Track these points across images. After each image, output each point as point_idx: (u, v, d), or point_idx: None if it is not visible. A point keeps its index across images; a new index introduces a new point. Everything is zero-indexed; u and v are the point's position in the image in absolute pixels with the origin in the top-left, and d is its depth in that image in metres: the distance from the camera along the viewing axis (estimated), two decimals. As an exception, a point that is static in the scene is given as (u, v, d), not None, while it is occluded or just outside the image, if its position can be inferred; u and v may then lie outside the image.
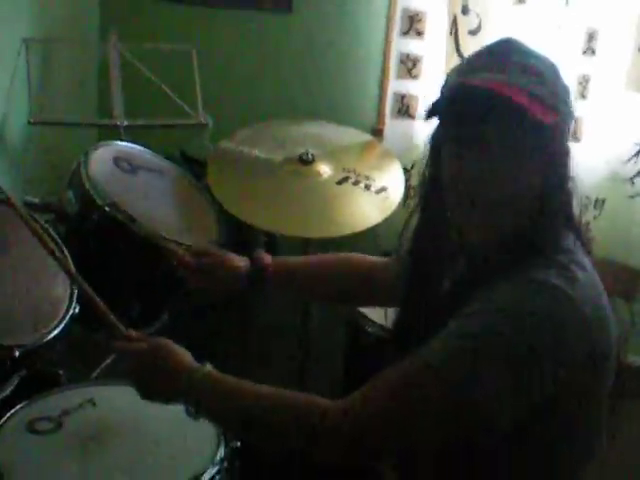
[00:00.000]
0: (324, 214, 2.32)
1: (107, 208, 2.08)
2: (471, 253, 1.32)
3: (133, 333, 1.40)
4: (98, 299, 1.46)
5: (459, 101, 1.18)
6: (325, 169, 2.41)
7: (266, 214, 2.32)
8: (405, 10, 2.73)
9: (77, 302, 1.86)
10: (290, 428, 1.23)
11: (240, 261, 1.67)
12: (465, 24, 2.61)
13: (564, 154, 1.24)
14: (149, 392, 1.34)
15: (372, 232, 2.34)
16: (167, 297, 2.29)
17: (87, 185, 2.12)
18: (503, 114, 1.15)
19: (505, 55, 1.21)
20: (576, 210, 1.28)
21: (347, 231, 2.26)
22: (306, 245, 2.45)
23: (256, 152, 2.46)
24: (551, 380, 1.14)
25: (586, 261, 1.23)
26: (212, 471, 1.53)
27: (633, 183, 2.51)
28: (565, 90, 1.23)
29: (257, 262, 1.66)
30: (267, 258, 1.67)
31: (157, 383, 1.32)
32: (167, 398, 1.33)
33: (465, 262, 1.35)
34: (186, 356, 1.33)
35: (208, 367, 1.30)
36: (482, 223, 1.23)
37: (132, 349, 1.36)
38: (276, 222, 2.32)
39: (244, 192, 2.38)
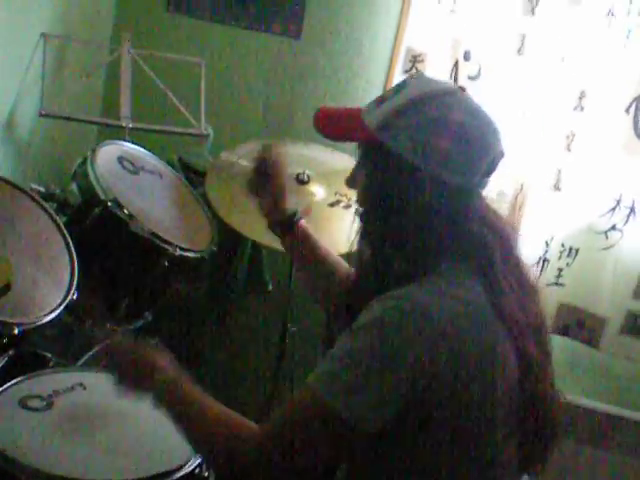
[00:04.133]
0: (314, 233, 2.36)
1: (109, 204, 2.14)
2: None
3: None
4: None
5: None
6: (319, 191, 2.49)
7: (257, 226, 2.31)
8: (409, 50, 2.80)
9: (77, 289, 1.91)
10: (220, 445, 1.33)
11: (288, 203, 1.78)
12: (466, 70, 2.69)
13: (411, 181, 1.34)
14: (124, 381, 1.46)
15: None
16: (154, 297, 2.34)
17: (92, 179, 2.19)
18: None
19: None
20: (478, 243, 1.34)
21: (333, 251, 2.31)
22: (292, 261, 2.50)
23: (255, 167, 2.49)
24: (410, 388, 1.22)
25: (469, 285, 1.30)
26: (196, 461, 1.59)
27: (607, 237, 2.60)
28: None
29: (296, 215, 1.79)
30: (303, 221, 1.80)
31: (133, 377, 1.44)
32: (138, 391, 1.44)
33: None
34: (165, 360, 1.44)
35: (181, 374, 1.41)
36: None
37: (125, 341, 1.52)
38: (266, 235, 2.35)
39: (238, 203, 2.39)
